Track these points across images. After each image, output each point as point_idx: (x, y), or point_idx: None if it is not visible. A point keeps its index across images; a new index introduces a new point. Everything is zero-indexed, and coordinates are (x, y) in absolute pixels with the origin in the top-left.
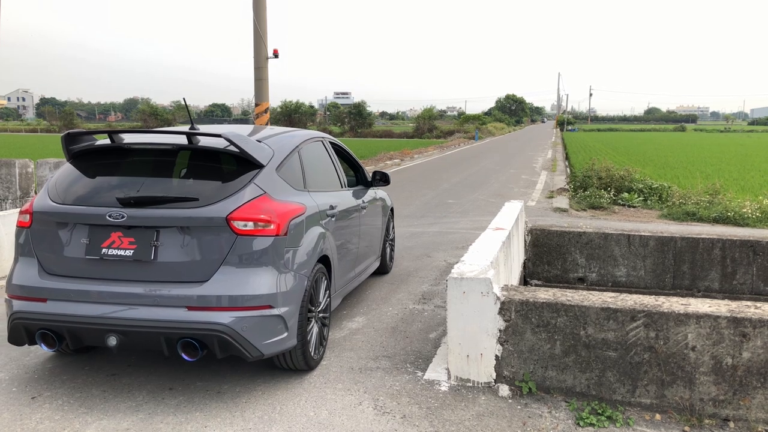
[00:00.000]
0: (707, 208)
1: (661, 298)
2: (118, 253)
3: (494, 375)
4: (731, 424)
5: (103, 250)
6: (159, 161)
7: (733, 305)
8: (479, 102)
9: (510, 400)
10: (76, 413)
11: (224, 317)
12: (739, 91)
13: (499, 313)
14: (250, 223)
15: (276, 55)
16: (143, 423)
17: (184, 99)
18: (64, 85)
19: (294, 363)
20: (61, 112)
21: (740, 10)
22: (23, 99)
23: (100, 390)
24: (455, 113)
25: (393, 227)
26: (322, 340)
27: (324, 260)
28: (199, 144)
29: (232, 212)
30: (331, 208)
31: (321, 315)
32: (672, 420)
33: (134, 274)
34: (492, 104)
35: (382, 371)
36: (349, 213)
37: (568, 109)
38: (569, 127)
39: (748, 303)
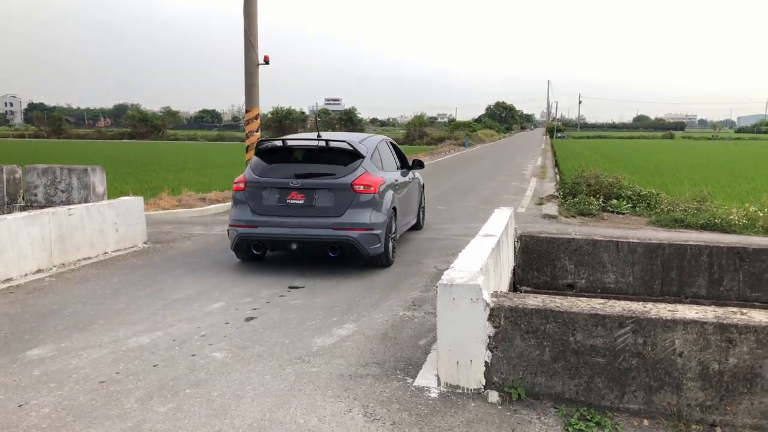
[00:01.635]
0: (695, 215)
1: (649, 305)
2: (296, 202)
3: (484, 381)
4: (718, 430)
5: (287, 201)
6: (310, 154)
7: (720, 311)
8: (469, 109)
9: (499, 407)
10: (63, 421)
11: (353, 234)
12: (726, 100)
13: (489, 319)
14: (362, 187)
15: (267, 61)
16: (132, 431)
17: (316, 116)
18: (52, 91)
19: (381, 261)
20: (50, 117)
21: (727, 20)
22: (11, 104)
23: (87, 398)
24: (446, 120)
25: (424, 197)
26: (392, 252)
27: (393, 209)
28: (331, 144)
29: (353, 181)
30: (395, 181)
31: (392, 237)
32: (660, 425)
33: (304, 213)
34: (482, 111)
35: (372, 378)
36: (403, 185)
37: (558, 116)
38: (559, 134)
39: (735, 309)
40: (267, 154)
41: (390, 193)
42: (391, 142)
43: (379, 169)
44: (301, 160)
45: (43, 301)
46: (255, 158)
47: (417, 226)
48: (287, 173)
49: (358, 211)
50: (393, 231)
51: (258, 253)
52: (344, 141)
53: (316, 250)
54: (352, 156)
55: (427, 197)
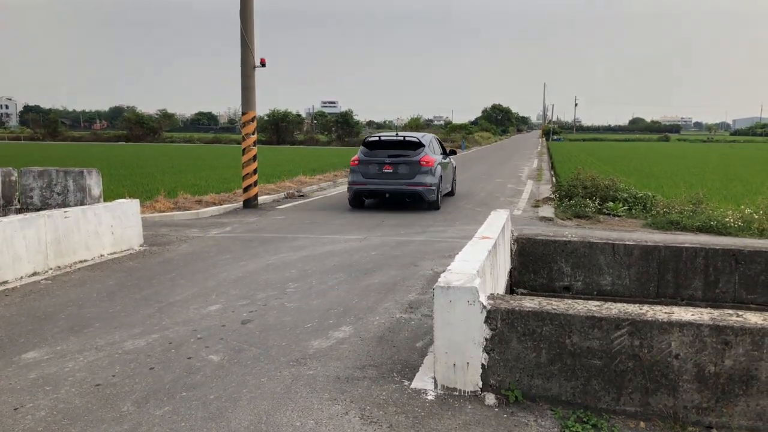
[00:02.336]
0: (691, 217)
1: (645, 307)
2: (387, 171)
3: (480, 384)
4: None
5: (383, 170)
6: (395, 143)
7: (716, 313)
8: (466, 112)
9: (496, 409)
10: (60, 425)
11: (420, 188)
12: (721, 102)
13: (486, 321)
14: (424, 162)
15: (263, 64)
16: None
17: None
18: (48, 93)
19: (434, 206)
20: (45, 119)
21: (721, 23)
22: (6, 107)
23: (83, 401)
24: (442, 122)
25: (455, 175)
26: (440, 201)
27: (440, 177)
28: (406, 139)
29: (419, 159)
30: (441, 162)
31: (440, 192)
32: (656, 428)
33: (392, 177)
34: (479, 114)
35: (369, 381)
36: (445, 164)
37: (554, 119)
38: (554, 137)
39: (730, 311)
40: (369, 144)
41: (439, 167)
42: (437, 138)
43: (433, 153)
44: (389, 147)
45: (39, 304)
46: (362, 146)
47: (451, 193)
48: (382, 155)
49: (423, 176)
50: (440, 189)
51: (365, 200)
52: (414, 136)
53: (398, 197)
54: (418, 145)
55: None
